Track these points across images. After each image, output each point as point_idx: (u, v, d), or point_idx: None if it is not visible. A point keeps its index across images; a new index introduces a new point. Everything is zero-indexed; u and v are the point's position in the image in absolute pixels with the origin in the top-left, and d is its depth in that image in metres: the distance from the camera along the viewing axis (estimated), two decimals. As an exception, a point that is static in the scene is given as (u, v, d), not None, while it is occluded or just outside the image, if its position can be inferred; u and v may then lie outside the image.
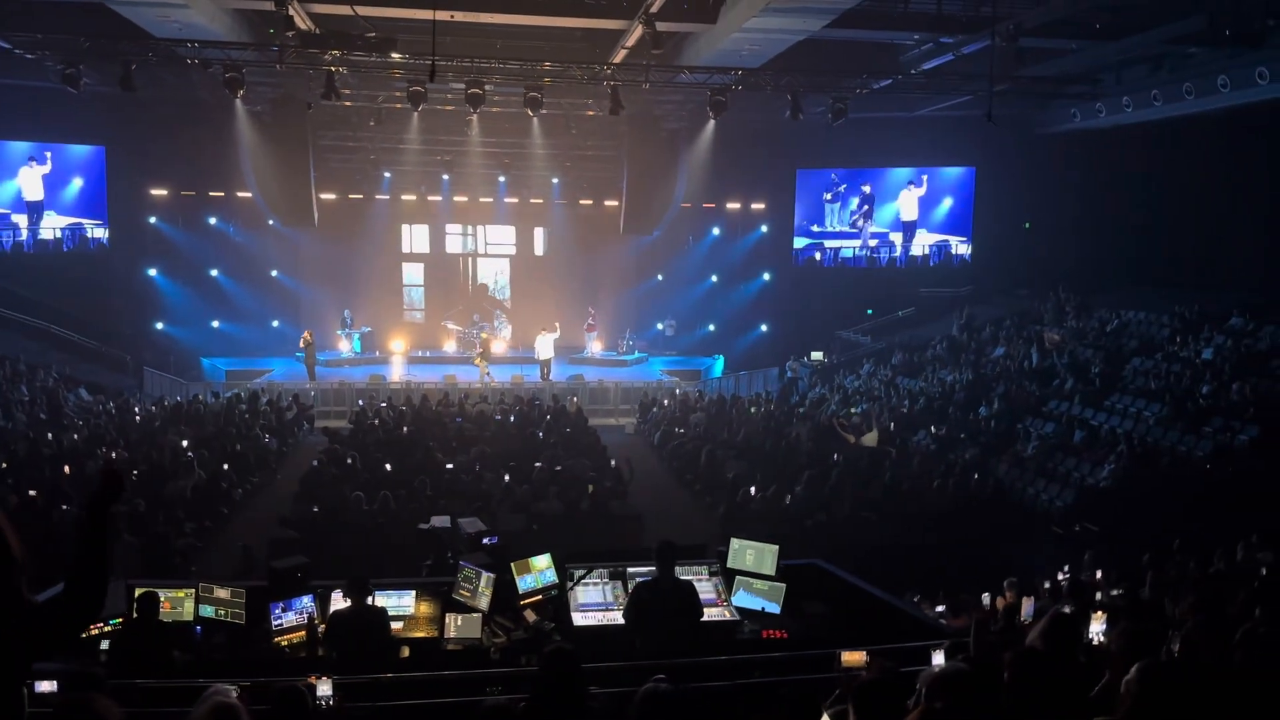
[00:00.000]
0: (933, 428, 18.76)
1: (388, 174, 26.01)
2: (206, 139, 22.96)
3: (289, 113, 22.02)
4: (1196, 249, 22.03)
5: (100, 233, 25.05)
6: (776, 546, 8.13)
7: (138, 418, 18.51)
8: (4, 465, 14.17)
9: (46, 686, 4.76)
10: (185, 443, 15.83)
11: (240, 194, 25.37)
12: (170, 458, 15.08)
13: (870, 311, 27.98)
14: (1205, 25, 15.63)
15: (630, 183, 24.50)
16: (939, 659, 4.94)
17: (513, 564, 7.50)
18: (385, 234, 27.86)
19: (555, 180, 26.68)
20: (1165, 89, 19.17)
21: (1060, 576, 10.11)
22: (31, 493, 12.46)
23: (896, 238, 27.61)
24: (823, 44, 18.86)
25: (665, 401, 21.59)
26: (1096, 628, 5.15)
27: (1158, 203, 22.13)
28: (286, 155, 22.87)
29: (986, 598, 8.99)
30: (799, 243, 27.81)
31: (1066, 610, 5.17)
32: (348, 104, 22.71)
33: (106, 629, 6.85)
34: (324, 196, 25.90)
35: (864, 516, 13.94)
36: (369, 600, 6.80)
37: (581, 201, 27.44)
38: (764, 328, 28.06)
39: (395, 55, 17.82)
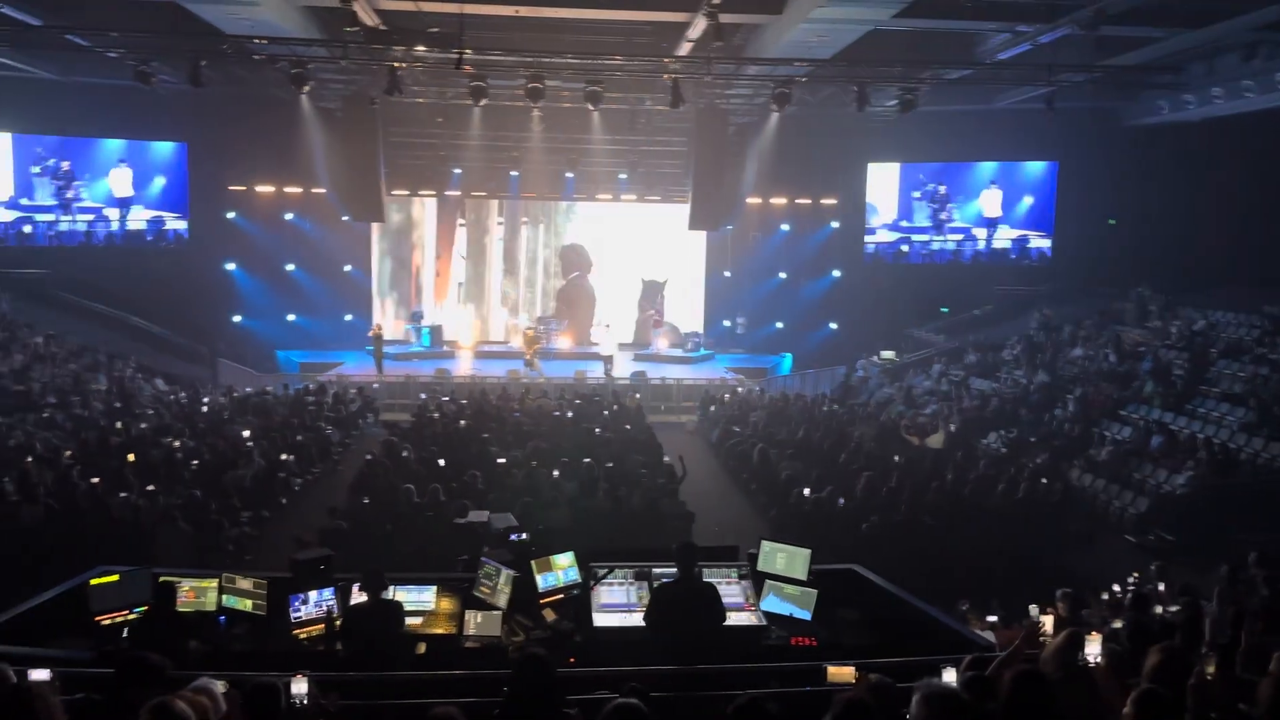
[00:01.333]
0: (1003, 430, 18.18)
1: (457, 170, 26.16)
2: (282, 136, 23.43)
3: (359, 109, 22.30)
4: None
5: (179, 224, 25.99)
6: (809, 551, 7.87)
7: (205, 408, 18.93)
8: (69, 452, 14.53)
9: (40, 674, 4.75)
10: (246, 433, 16.10)
11: (315, 190, 25.83)
12: (231, 448, 15.36)
13: (945, 310, 27.33)
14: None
15: (697, 178, 24.26)
16: (949, 676, 4.66)
17: (533, 562, 7.40)
18: (455, 229, 28.14)
19: (622, 176, 26.57)
20: (1259, 79, 18.25)
21: (1116, 587, 9.63)
22: (94, 480, 12.75)
23: (980, 233, 27.01)
24: (893, 34, 18.44)
25: (726, 398, 21.34)
26: (1092, 649, 4.82)
27: (1250, 199, 21.07)
28: (357, 151, 23.19)
29: (1034, 609, 8.55)
30: (888, 236, 27.32)
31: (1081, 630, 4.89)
32: (420, 100, 22.97)
33: (131, 616, 6.93)
34: (395, 192, 26.31)
35: (920, 521, 13.48)
36: (385, 595, 6.74)
37: (649, 197, 27.25)
38: (833, 325, 27.55)
39: (456, 50, 17.85)
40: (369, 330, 24.29)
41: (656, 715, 4.43)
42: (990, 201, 26.79)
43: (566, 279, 28.78)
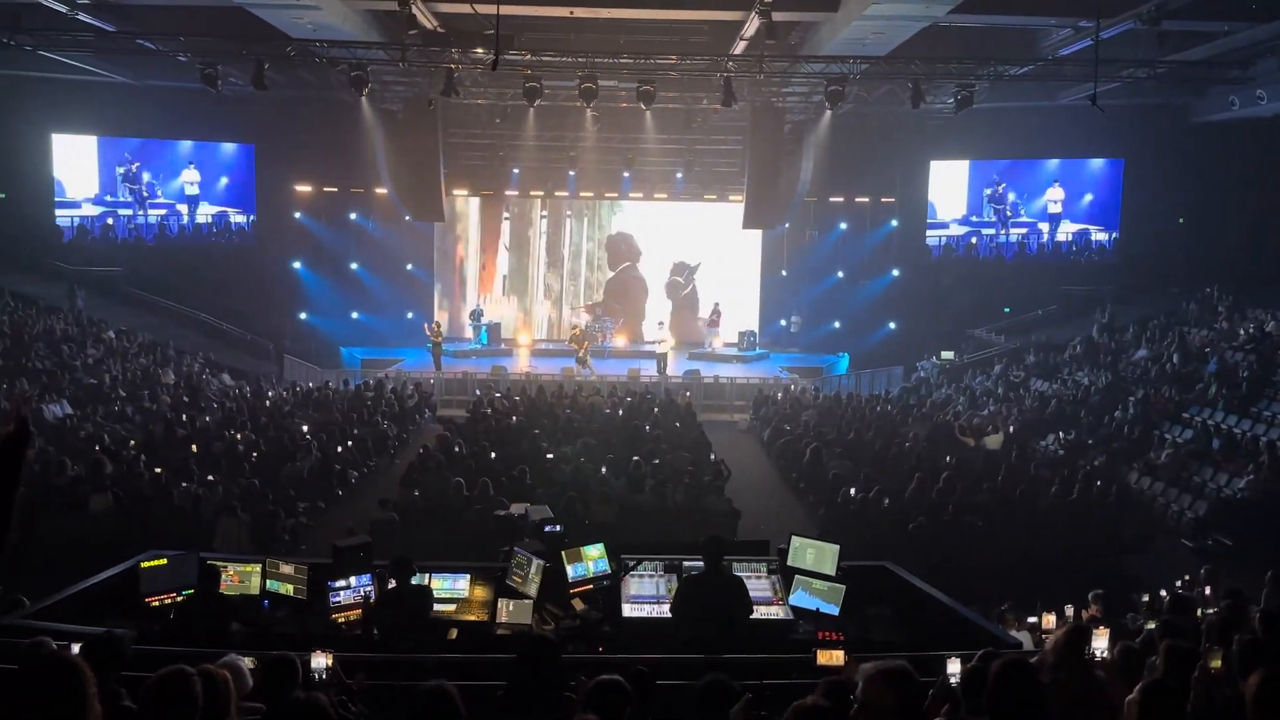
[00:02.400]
0: (1061, 432, 17.91)
1: (516, 170, 26.51)
2: (346, 137, 24.03)
3: (420, 110, 22.74)
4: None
5: (240, 218, 27.08)
6: (837, 546, 7.92)
7: (268, 402, 19.48)
8: (132, 444, 15.08)
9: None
10: (305, 427, 16.56)
11: (378, 190, 26.39)
12: (291, 441, 15.80)
13: (1008, 310, 26.95)
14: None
15: (752, 176, 24.27)
16: (954, 667, 4.71)
17: (564, 553, 7.55)
18: (514, 228, 28.56)
19: (679, 175, 26.69)
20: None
21: (1164, 591, 9.48)
22: (158, 470, 13.24)
23: (1044, 226, 26.78)
24: (951, 31, 18.29)
25: (779, 397, 21.34)
26: (1100, 644, 4.82)
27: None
28: (417, 152, 23.70)
29: (1070, 610, 8.48)
30: (958, 230, 26.99)
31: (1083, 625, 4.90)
32: (480, 101, 23.37)
33: (178, 599, 7.24)
34: (456, 192, 26.77)
35: (969, 521, 13.37)
36: (415, 581, 6.96)
37: (705, 196, 27.32)
38: (892, 325, 27.33)
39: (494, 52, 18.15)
40: (428, 329, 24.69)
41: (678, 703, 4.56)
42: (1054, 199, 26.45)
43: (616, 270, 28.96)
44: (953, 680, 4.67)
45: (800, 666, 6.16)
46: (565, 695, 4.22)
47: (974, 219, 27.27)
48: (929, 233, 27.33)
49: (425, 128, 23.29)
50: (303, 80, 21.51)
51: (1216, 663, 4.29)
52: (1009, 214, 26.95)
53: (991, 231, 27.15)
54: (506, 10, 17.41)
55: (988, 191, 27.08)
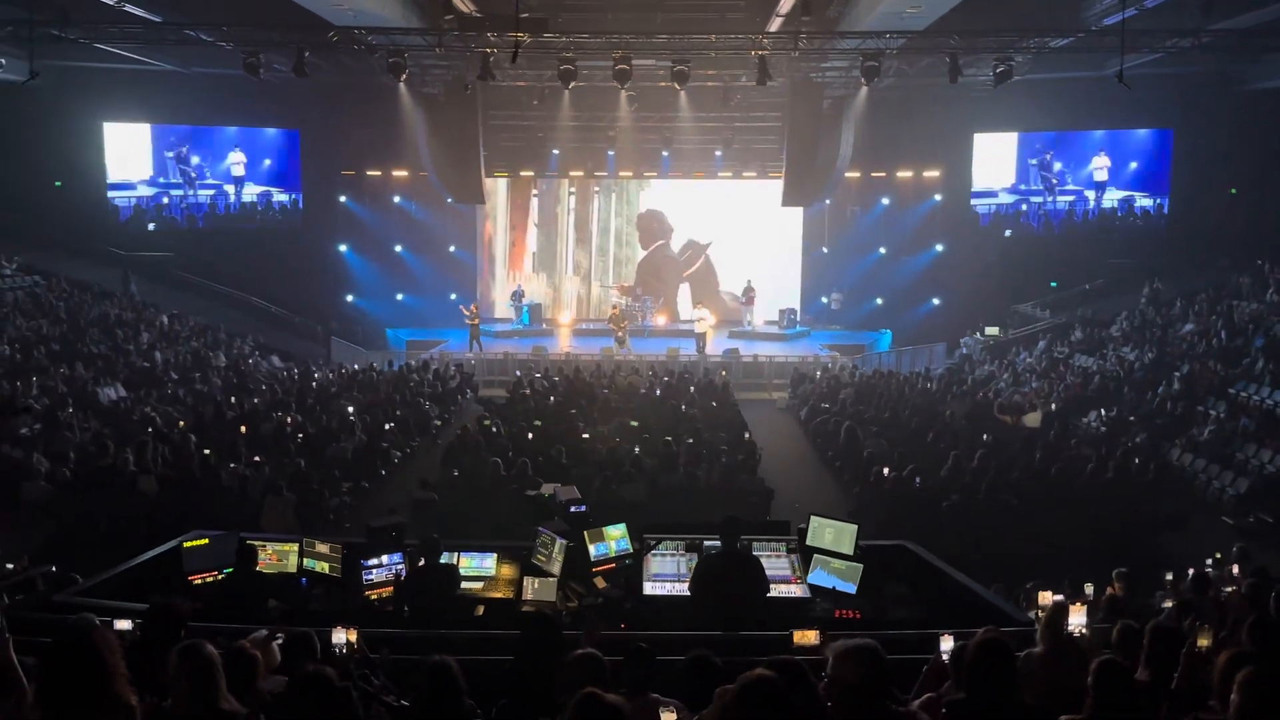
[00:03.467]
0: (1103, 409, 17.81)
1: (555, 151, 26.72)
2: (388, 121, 24.37)
3: (458, 94, 23.02)
4: None
5: (283, 197, 27.63)
6: (855, 526, 8.09)
7: (315, 384, 19.99)
8: (181, 424, 15.61)
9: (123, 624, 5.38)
10: (350, 408, 17.01)
11: (420, 173, 26.75)
12: (336, 422, 16.25)
13: (1054, 285, 26.67)
14: None
15: (791, 153, 24.21)
16: (947, 644, 4.89)
17: (586, 532, 7.81)
18: (554, 209, 28.83)
19: (718, 153, 26.73)
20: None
21: (1190, 570, 9.50)
22: (206, 451, 13.73)
23: (1090, 194, 26.44)
24: (991, 2, 18.10)
25: (817, 375, 21.40)
26: (1076, 619, 4.97)
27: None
28: (457, 135, 24.01)
29: (1090, 588, 8.56)
30: (1007, 199, 26.85)
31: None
32: (520, 84, 23.58)
33: (219, 577, 7.62)
34: (496, 174, 27.08)
35: (1003, 500, 13.42)
36: (443, 560, 7.26)
37: (745, 174, 27.34)
38: (935, 301, 27.18)
39: (547, 34, 18.33)
40: (465, 310, 25.07)
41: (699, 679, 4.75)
42: (1100, 166, 26.10)
43: (648, 249, 29.11)
44: (945, 657, 4.85)
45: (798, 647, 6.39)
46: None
47: (1021, 187, 26.98)
48: (974, 201, 27.07)
49: (464, 111, 23.56)
50: (345, 66, 21.87)
51: (1205, 642, 4.40)
52: (1055, 182, 26.59)
53: (1040, 200, 26.84)
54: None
55: (1034, 162, 26.76)
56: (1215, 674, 3.71)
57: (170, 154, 26.69)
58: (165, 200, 26.93)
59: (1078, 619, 4.96)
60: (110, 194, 26.11)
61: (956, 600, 7.77)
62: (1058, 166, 26.62)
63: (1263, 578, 8.32)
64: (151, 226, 26.55)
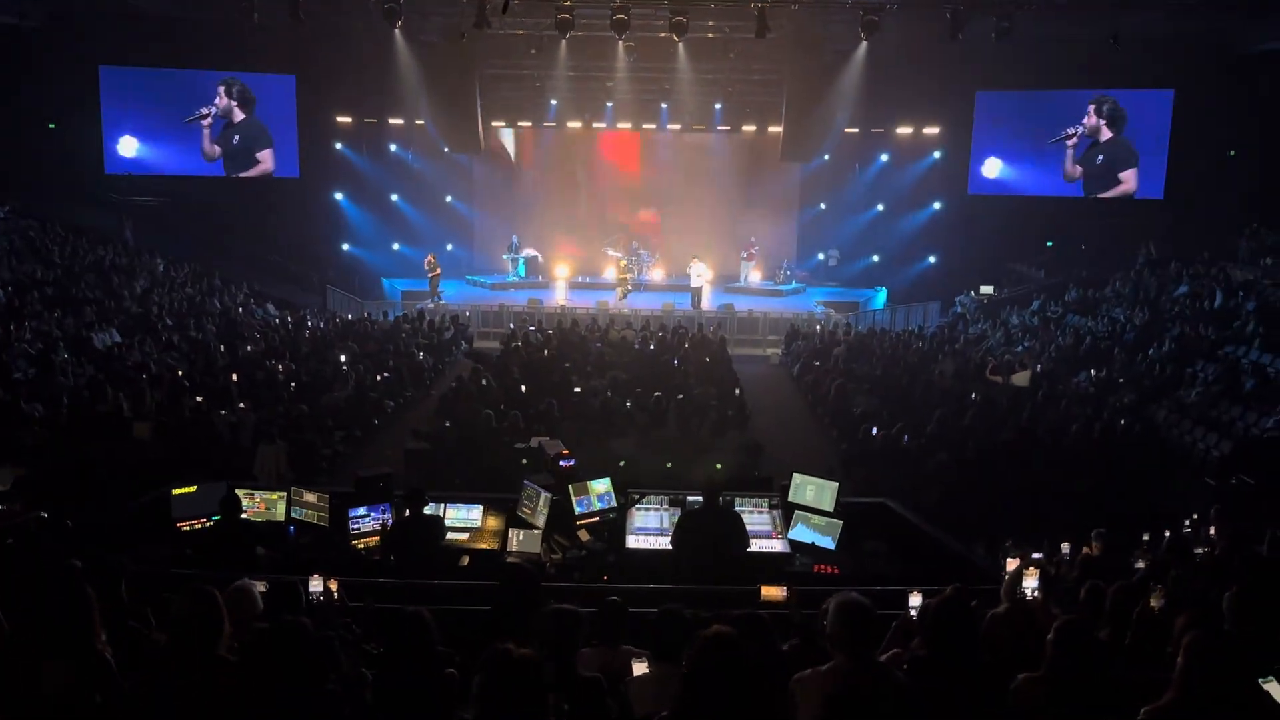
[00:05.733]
0: (1093, 370, 17.90)
1: (554, 102, 26.50)
2: (384, 69, 24.10)
3: (455, 42, 22.76)
4: None
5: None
6: (836, 484, 8.22)
7: (308, 333, 20.03)
8: (179, 372, 15.66)
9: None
10: (344, 357, 17.07)
11: (417, 121, 26.53)
12: (329, 371, 16.32)
13: (1050, 244, 26.63)
14: None
15: (790, 108, 24.06)
16: (915, 600, 5.01)
17: (570, 486, 7.91)
18: (551, 160, 28.67)
19: (717, 106, 26.53)
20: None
21: (1168, 532, 9.64)
22: (199, 399, 13.80)
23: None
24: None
25: (817, 329, 21.48)
26: (1030, 583, 5.08)
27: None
28: (454, 84, 23.83)
29: (1066, 548, 8.70)
30: (998, 166, 26.60)
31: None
32: (518, 32, 23.29)
33: (208, 524, 7.72)
34: (494, 124, 26.86)
35: (990, 459, 13.54)
36: (428, 511, 7.36)
37: (744, 128, 27.16)
38: (932, 259, 27.17)
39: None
40: (471, 260, 25.00)
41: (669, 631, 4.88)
42: (1102, 128, 25.75)
43: (649, 207, 29.04)
44: (913, 613, 4.97)
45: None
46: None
47: (1021, 151, 26.67)
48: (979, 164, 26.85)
49: (461, 59, 23.34)
50: (341, 10, 21.60)
51: (1156, 603, 4.51)
52: (1075, 141, 26.13)
53: (1040, 165, 26.53)
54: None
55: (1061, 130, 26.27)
56: (1175, 635, 3.81)
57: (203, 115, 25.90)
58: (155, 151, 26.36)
59: (1030, 583, 5.08)
60: (106, 140, 25.78)
61: (933, 557, 7.92)
62: (1064, 131, 26.10)
63: (1238, 541, 8.47)
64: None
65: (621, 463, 10.98)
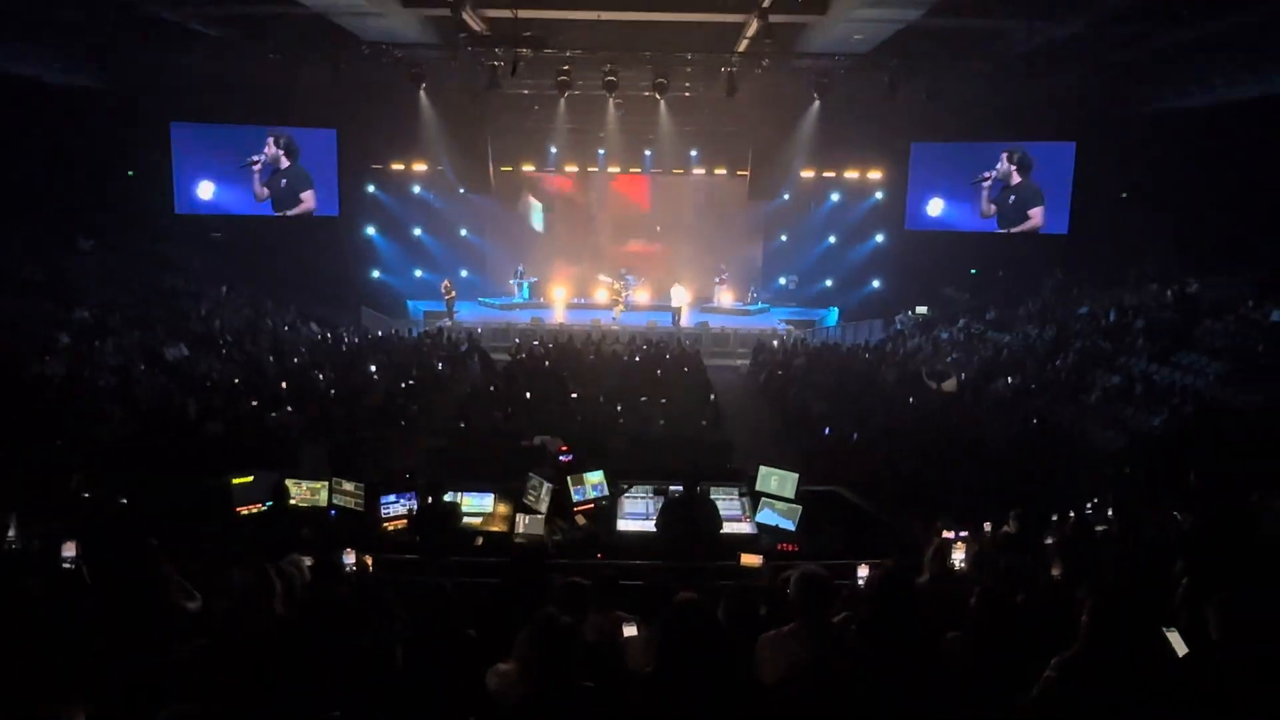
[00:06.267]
0: (1009, 378, 18.01)
1: (554, 149, 26.54)
2: (410, 122, 24.07)
3: (470, 100, 22.87)
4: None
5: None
6: (796, 474, 8.25)
7: (344, 347, 19.98)
8: (236, 381, 15.63)
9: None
10: (374, 367, 17.04)
11: (437, 166, 26.56)
12: (362, 379, 16.28)
13: (974, 272, 26.77)
14: None
15: (755, 154, 24.23)
16: (863, 571, 5.05)
17: (569, 477, 7.93)
18: (552, 199, 28.66)
19: (693, 153, 26.64)
20: (1247, 72, 17.33)
21: (1072, 513, 9.70)
22: (254, 403, 13.78)
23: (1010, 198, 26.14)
24: (926, 30, 18.01)
25: (774, 345, 21.54)
26: (957, 556, 5.14)
27: (1246, 178, 19.92)
28: (469, 135, 23.94)
29: (988, 527, 8.76)
30: (935, 207, 26.63)
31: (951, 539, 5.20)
32: (524, 91, 23.31)
33: (262, 509, 7.71)
34: (502, 168, 26.90)
35: (926, 454, 13.61)
36: (445, 499, 7.37)
37: (717, 171, 27.26)
38: (876, 284, 27.32)
39: (547, 50, 18.21)
40: (483, 286, 24.95)
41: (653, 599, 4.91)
42: (1015, 176, 25.85)
43: (642, 240, 28.89)
44: (860, 582, 5.02)
45: (757, 573, 6.55)
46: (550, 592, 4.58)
47: (949, 192, 26.77)
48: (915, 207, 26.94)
49: (475, 114, 23.46)
50: (374, 73, 21.58)
51: (1056, 571, 4.56)
52: (989, 184, 26.23)
53: (964, 204, 26.63)
54: (542, 14, 17.49)
55: (982, 178, 26.28)
56: (1079, 598, 3.86)
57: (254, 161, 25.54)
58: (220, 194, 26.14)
59: (959, 555, 5.13)
60: (176, 185, 25.57)
61: (876, 536, 7.97)
62: (981, 175, 26.20)
63: (1129, 519, 8.56)
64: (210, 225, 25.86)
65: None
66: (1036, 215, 24.86)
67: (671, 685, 3.16)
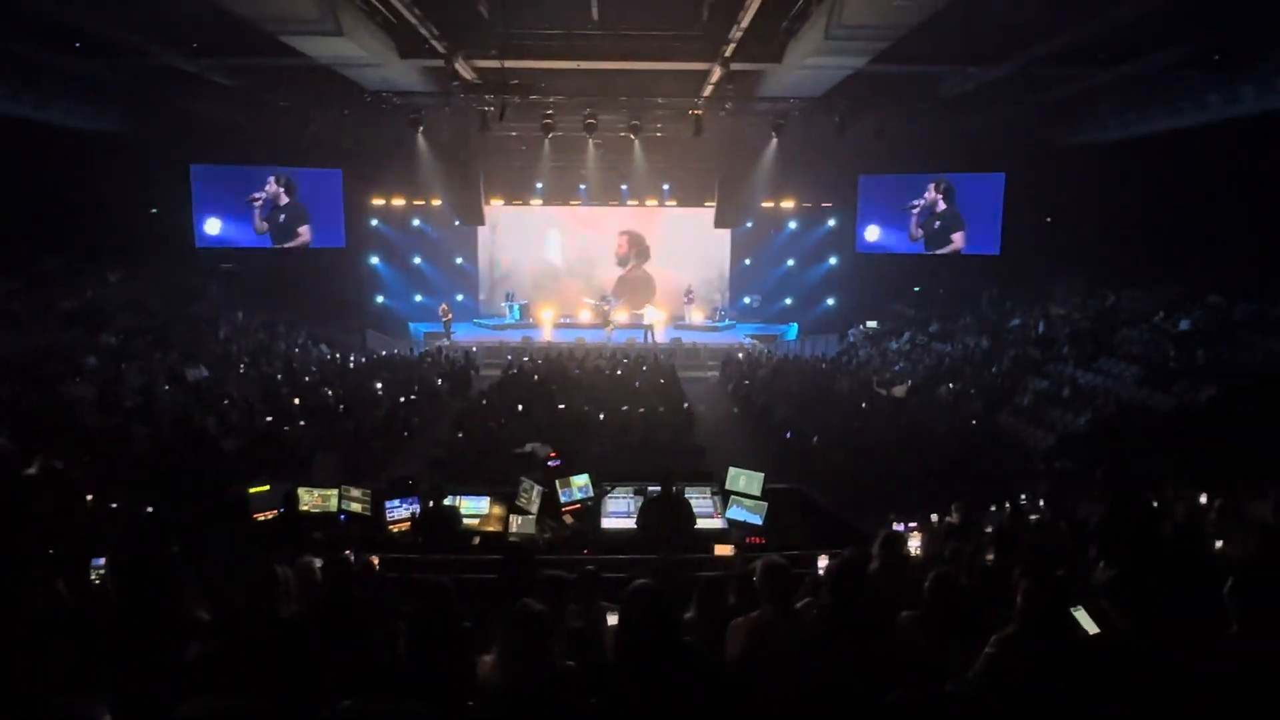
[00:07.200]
0: (952, 384, 18.14)
1: (539, 184, 26.54)
2: (410, 161, 24.01)
3: (463, 142, 22.90)
4: (1190, 242, 20.06)
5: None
6: (762, 474, 8.25)
7: (352, 366, 19.81)
8: (254, 400, 15.43)
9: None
10: (379, 384, 16.90)
11: (434, 201, 26.49)
12: (369, 395, 16.14)
13: (917, 289, 26.99)
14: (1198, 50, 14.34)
15: (721, 187, 24.37)
16: (823, 562, 5.05)
17: (557, 481, 7.88)
18: (539, 228, 28.63)
19: (665, 186, 26.73)
20: (1161, 107, 17.67)
21: (1007, 504, 9.79)
22: (269, 419, 13.61)
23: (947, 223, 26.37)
24: (872, 75, 18.20)
25: (740, 357, 21.60)
26: (913, 544, 5.16)
27: (1158, 202, 20.27)
28: (462, 172, 23.90)
29: (935, 518, 8.80)
30: (876, 232, 26.69)
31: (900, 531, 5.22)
32: (512, 133, 23.32)
33: (277, 514, 7.60)
34: (494, 202, 26.86)
35: (879, 453, 13.67)
36: (446, 502, 7.30)
37: (686, 203, 27.36)
38: (830, 301, 27.48)
39: (533, 96, 18.24)
40: (477, 309, 24.83)
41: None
42: (951, 205, 26.07)
43: (625, 268, 28.87)
44: (820, 571, 5.01)
45: (728, 563, 6.54)
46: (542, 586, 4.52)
47: (888, 219, 26.95)
48: (869, 232, 27.10)
49: (468, 153, 23.47)
50: (375, 118, 21.55)
51: (991, 557, 4.58)
52: (918, 210, 26.46)
53: (898, 230, 26.81)
54: (528, 64, 17.51)
55: (915, 206, 26.51)
56: (1014, 582, 3.88)
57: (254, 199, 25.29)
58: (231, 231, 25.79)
59: (914, 543, 5.14)
60: (195, 221, 25.28)
61: (834, 529, 7.97)
62: (921, 202, 26.42)
63: (1059, 509, 8.64)
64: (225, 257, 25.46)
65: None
66: (958, 239, 25.13)
67: (629, 667, 3.13)
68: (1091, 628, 3.85)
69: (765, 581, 3.73)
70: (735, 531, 7.85)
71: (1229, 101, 15.80)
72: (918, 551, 5.07)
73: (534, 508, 7.62)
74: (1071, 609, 3.84)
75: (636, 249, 28.74)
